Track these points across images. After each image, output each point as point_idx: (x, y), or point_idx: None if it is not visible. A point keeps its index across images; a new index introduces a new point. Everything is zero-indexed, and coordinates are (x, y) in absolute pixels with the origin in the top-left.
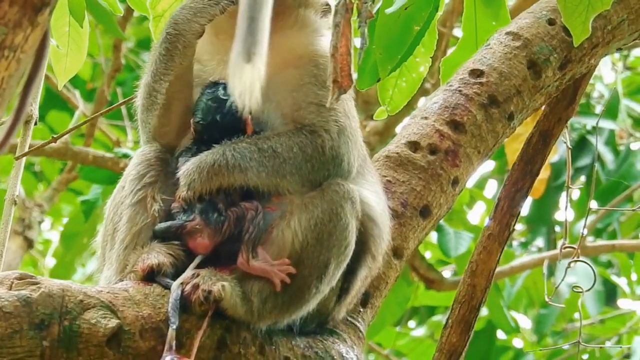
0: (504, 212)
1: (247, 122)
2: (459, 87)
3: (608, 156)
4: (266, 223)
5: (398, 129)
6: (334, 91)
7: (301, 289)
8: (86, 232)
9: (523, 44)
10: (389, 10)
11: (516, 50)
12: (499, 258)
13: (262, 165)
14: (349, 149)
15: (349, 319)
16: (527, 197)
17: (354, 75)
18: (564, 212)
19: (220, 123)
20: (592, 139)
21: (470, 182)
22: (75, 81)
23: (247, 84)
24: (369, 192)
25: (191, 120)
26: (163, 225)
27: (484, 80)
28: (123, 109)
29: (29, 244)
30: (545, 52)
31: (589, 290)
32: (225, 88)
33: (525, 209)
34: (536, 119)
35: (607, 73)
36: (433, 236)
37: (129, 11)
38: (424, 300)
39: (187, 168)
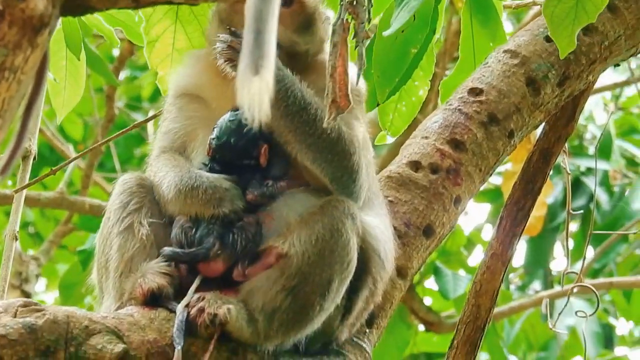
0: (507, 231)
1: (262, 151)
2: (459, 105)
3: (603, 197)
4: (263, 236)
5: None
6: (331, 111)
7: (305, 306)
8: (84, 282)
9: (521, 61)
10: (386, 33)
11: (514, 67)
12: (503, 277)
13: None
14: (363, 176)
15: (355, 339)
16: (529, 216)
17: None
18: (562, 249)
19: (233, 146)
20: (586, 180)
21: (468, 226)
22: (68, 139)
23: (255, 96)
24: (373, 216)
25: (209, 136)
26: (181, 251)
27: (483, 98)
28: (117, 163)
29: (27, 297)
30: (543, 69)
31: (592, 314)
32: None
33: (522, 251)
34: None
35: (600, 114)
36: (432, 283)
37: (121, 62)
38: (423, 346)
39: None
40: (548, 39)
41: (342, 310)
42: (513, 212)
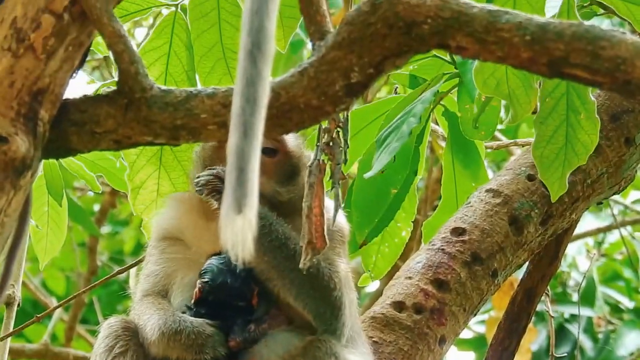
0: None
1: (254, 292)
2: (442, 245)
3: (587, 343)
4: None
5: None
6: (307, 252)
7: None
8: None
9: (503, 200)
10: (367, 175)
11: (497, 207)
12: None
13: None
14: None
15: None
16: (513, 356)
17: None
18: None
19: (230, 286)
20: (570, 327)
21: None
22: (51, 292)
23: (239, 235)
24: (357, 355)
25: (197, 281)
26: None
27: (466, 238)
28: (100, 317)
29: None
30: (526, 208)
31: None
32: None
33: None
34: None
35: (582, 260)
36: None
37: (102, 214)
38: None
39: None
40: (530, 178)
41: None
42: (498, 352)
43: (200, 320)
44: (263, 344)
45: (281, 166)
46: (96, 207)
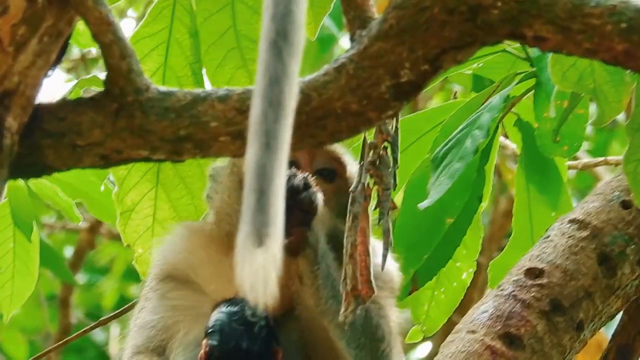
0: None
1: (277, 354)
2: (513, 291)
3: None
4: None
5: None
6: (349, 300)
7: None
8: None
9: (591, 233)
10: (423, 205)
11: (583, 242)
12: None
13: None
14: None
15: None
16: None
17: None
18: None
19: (247, 352)
20: None
21: None
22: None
23: (259, 273)
24: None
25: (203, 341)
26: None
27: (544, 281)
28: None
29: None
30: (620, 243)
31: None
32: (250, 309)
33: None
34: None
35: None
36: None
37: (78, 258)
38: None
39: None
40: (626, 205)
41: None
42: None
43: None
44: None
45: (341, 194)
46: (68, 252)
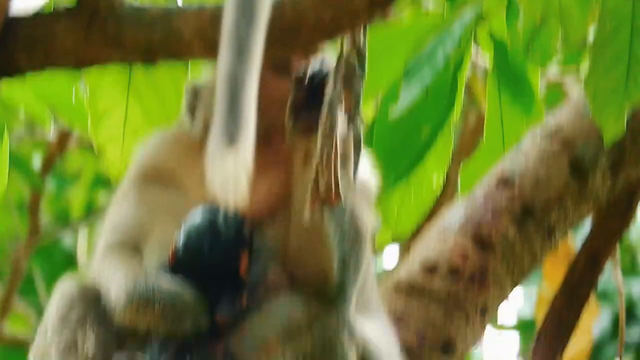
0: (546, 350)
1: (241, 259)
2: (485, 196)
3: None
4: None
5: None
6: (314, 205)
7: None
8: None
9: (563, 142)
10: (394, 112)
11: (555, 151)
12: None
13: None
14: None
15: None
16: (572, 331)
17: None
18: None
19: (207, 255)
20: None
21: None
22: None
23: (230, 173)
24: (375, 327)
25: (174, 239)
26: None
27: (515, 187)
28: (42, 289)
29: None
30: (591, 152)
31: None
32: (223, 213)
33: None
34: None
35: None
36: None
37: (47, 165)
38: None
39: None
40: None
41: None
42: (554, 326)
43: (179, 283)
44: (257, 313)
45: None
46: (36, 162)
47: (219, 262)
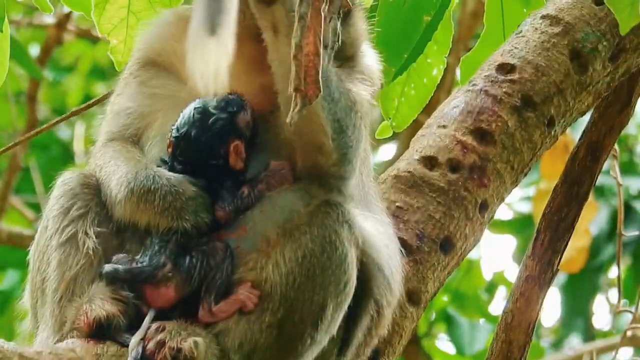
0: (546, 247)
1: (231, 148)
2: (485, 86)
3: None
4: (235, 266)
5: None
6: (296, 101)
7: (293, 339)
8: (2, 331)
9: (564, 29)
10: None
11: (555, 37)
12: (541, 306)
13: None
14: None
15: None
16: (573, 228)
17: None
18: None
19: (194, 141)
20: (638, 205)
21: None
22: None
23: (211, 61)
24: (374, 223)
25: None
26: (120, 268)
27: (515, 76)
28: (39, 185)
29: None
30: (591, 40)
31: None
32: (219, 102)
33: (557, 297)
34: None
35: None
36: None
37: (45, 54)
38: None
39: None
40: (598, 2)
41: (338, 343)
42: (554, 222)
43: (180, 177)
44: (258, 209)
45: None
46: (34, 50)
47: (205, 151)
